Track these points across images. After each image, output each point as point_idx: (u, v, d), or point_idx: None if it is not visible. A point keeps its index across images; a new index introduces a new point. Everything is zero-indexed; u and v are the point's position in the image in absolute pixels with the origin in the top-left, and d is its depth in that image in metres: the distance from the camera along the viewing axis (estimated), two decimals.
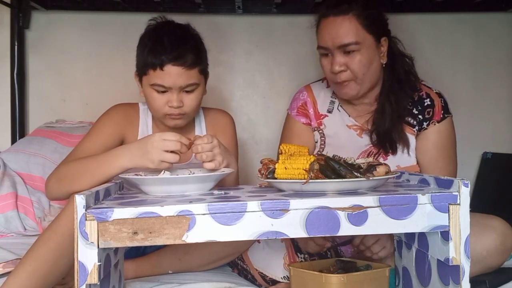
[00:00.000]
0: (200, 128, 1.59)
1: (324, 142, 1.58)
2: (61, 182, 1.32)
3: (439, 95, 1.54)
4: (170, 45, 1.37)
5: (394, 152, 1.51)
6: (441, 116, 1.51)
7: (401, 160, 1.50)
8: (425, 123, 1.52)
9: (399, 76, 1.53)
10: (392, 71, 1.53)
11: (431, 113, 1.52)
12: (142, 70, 1.42)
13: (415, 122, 1.52)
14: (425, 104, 1.52)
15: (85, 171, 1.28)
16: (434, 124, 1.51)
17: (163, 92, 1.40)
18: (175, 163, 1.19)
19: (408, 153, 1.51)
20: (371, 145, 1.54)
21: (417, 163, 1.52)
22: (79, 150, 1.41)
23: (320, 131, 1.60)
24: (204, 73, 1.47)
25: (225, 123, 1.61)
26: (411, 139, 1.52)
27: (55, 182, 1.34)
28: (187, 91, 1.41)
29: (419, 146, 1.52)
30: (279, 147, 1.58)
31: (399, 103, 1.51)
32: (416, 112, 1.52)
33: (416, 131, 1.52)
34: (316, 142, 1.60)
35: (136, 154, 1.22)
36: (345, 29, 1.44)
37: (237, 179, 1.51)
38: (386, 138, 1.51)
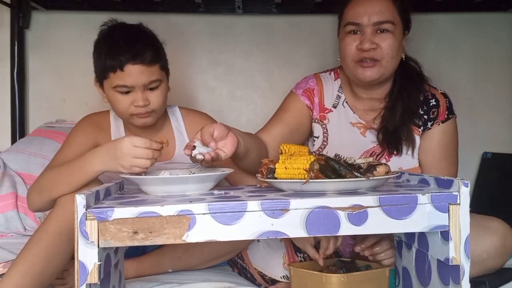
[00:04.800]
0: (179, 129, 1.58)
1: (327, 139, 1.55)
2: (41, 194, 1.32)
3: (444, 95, 1.53)
4: (126, 45, 1.38)
5: (398, 152, 1.49)
6: (446, 116, 1.50)
7: (404, 161, 1.49)
8: (429, 123, 1.51)
9: (411, 75, 1.52)
10: (404, 69, 1.52)
11: (435, 113, 1.51)
12: (102, 75, 1.42)
13: (420, 122, 1.51)
14: (431, 104, 1.51)
15: (61, 179, 1.28)
16: (439, 124, 1.50)
17: (127, 92, 1.40)
18: (150, 166, 1.19)
19: (412, 154, 1.50)
20: (375, 144, 1.52)
21: (419, 164, 1.51)
22: (55, 162, 1.41)
23: (324, 126, 1.57)
24: (165, 70, 1.48)
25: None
26: (417, 139, 1.51)
27: (35, 195, 1.35)
28: (151, 89, 1.42)
29: (423, 146, 1.51)
30: (269, 120, 1.59)
31: (410, 101, 1.50)
32: (422, 112, 1.51)
33: (421, 131, 1.51)
34: (318, 137, 1.56)
35: (107, 158, 1.21)
36: (383, 7, 1.43)
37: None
38: (393, 136, 1.49)
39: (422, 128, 1.51)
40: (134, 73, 1.37)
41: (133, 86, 1.38)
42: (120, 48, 1.37)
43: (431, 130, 1.50)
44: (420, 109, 1.51)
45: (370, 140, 1.53)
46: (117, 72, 1.37)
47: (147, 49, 1.39)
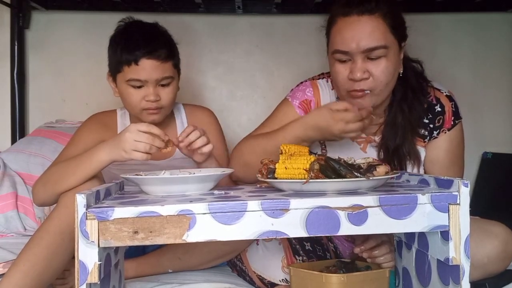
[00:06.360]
0: (182, 124, 1.61)
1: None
2: (46, 186, 1.33)
3: (450, 98, 1.43)
4: (143, 41, 1.41)
5: (402, 170, 1.40)
6: (452, 123, 1.42)
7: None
8: (435, 132, 1.42)
9: (411, 84, 1.41)
10: (404, 79, 1.40)
11: (441, 120, 1.41)
12: (116, 69, 1.45)
13: (426, 133, 1.42)
14: (436, 111, 1.42)
15: (67, 171, 1.29)
16: (445, 132, 1.42)
17: (139, 87, 1.43)
18: (149, 152, 1.21)
19: (418, 170, 1.42)
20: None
21: (425, 173, 1.44)
22: (61, 158, 1.43)
23: (322, 141, 1.47)
24: (177, 68, 1.51)
25: (208, 120, 1.63)
26: (421, 152, 1.43)
27: (40, 187, 1.36)
28: (162, 85, 1.45)
29: (429, 156, 1.43)
30: (261, 126, 1.53)
31: (412, 113, 1.39)
32: (427, 121, 1.42)
33: (426, 141, 1.43)
34: (316, 154, 1.46)
35: (112, 145, 1.24)
36: (373, 28, 1.27)
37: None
38: (395, 154, 1.40)
39: (427, 138, 1.43)
40: (148, 68, 1.40)
41: (146, 81, 1.41)
42: (137, 43, 1.40)
43: (438, 139, 1.42)
44: (425, 118, 1.42)
45: (371, 157, 1.39)
46: (132, 66, 1.40)
47: (163, 46, 1.43)
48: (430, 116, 1.43)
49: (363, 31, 1.28)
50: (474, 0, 2.19)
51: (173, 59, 1.47)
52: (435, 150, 1.44)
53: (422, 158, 1.44)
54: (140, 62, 1.40)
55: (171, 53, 1.46)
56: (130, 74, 1.41)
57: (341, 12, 1.32)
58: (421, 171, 1.44)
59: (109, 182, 1.16)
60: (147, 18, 1.55)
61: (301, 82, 1.56)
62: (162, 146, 1.22)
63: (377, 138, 1.46)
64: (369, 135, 1.46)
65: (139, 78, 1.41)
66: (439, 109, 1.43)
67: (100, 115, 1.58)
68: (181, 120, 1.61)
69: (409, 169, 1.42)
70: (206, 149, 1.27)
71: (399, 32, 1.34)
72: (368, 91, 1.31)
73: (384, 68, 1.29)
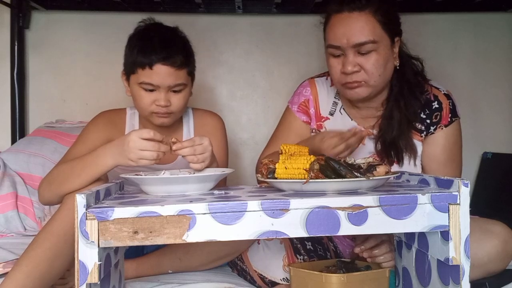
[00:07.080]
0: (188, 129, 1.60)
1: None
2: (51, 186, 1.33)
3: (448, 96, 1.47)
4: (159, 45, 1.40)
5: (399, 162, 1.45)
6: (449, 120, 1.46)
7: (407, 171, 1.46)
8: (432, 128, 1.46)
9: (408, 79, 1.46)
10: (401, 74, 1.45)
11: (438, 117, 1.46)
12: (130, 69, 1.44)
13: (423, 127, 1.47)
14: (433, 107, 1.46)
15: (72, 172, 1.29)
16: (442, 128, 1.46)
17: (151, 90, 1.42)
18: (157, 159, 1.20)
19: (415, 163, 1.46)
20: (374, 153, 1.48)
21: (422, 169, 1.48)
22: (68, 156, 1.43)
23: None
24: (192, 75, 1.50)
25: (213, 125, 1.62)
26: (418, 146, 1.47)
27: (46, 186, 1.36)
28: (174, 91, 1.44)
29: (427, 151, 1.47)
30: (272, 137, 1.57)
31: (408, 108, 1.44)
32: (424, 116, 1.46)
33: (423, 136, 1.47)
34: None
35: (117, 152, 1.23)
36: (362, 26, 1.35)
37: (225, 180, 1.51)
38: (392, 146, 1.44)
39: (424, 133, 1.47)
40: (162, 74, 1.40)
41: (158, 86, 1.41)
42: (153, 47, 1.40)
43: (435, 135, 1.46)
44: (422, 113, 1.46)
45: (369, 149, 1.49)
46: (146, 69, 1.40)
47: (179, 52, 1.43)
48: (427, 112, 1.47)
49: (353, 27, 1.36)
50: (474, 0, 2.19)
51: (188, 66, 1.46)
52: (432, 146, 1.47)
53: (419, 152, 1.47)
54: (154, 66, 1.39)
55: (186, 60, 1.45)
56: (143, 77, 1.41)
57: (334, 9, 1.41)
58: (418, 163, 1.47)
59: (110, 181, 1.16)
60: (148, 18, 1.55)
61: (301, 84, 1.62)
62: (168, 150, 1.21)
63: (375, 131, 1.49)
64: (367, 128, 1.50)
65: (151, 83, 1.40)
66: (437, 106, 1.47)
67: (108, 113, 1.57)
68: (188, 125, 1.60)
69: (405, 161, 1.46)
70: (193, 166, 1.22)
71: (391, 27, 1.40)
72: (363, 82, 1.38)
73: (374, 61, 1.37)
